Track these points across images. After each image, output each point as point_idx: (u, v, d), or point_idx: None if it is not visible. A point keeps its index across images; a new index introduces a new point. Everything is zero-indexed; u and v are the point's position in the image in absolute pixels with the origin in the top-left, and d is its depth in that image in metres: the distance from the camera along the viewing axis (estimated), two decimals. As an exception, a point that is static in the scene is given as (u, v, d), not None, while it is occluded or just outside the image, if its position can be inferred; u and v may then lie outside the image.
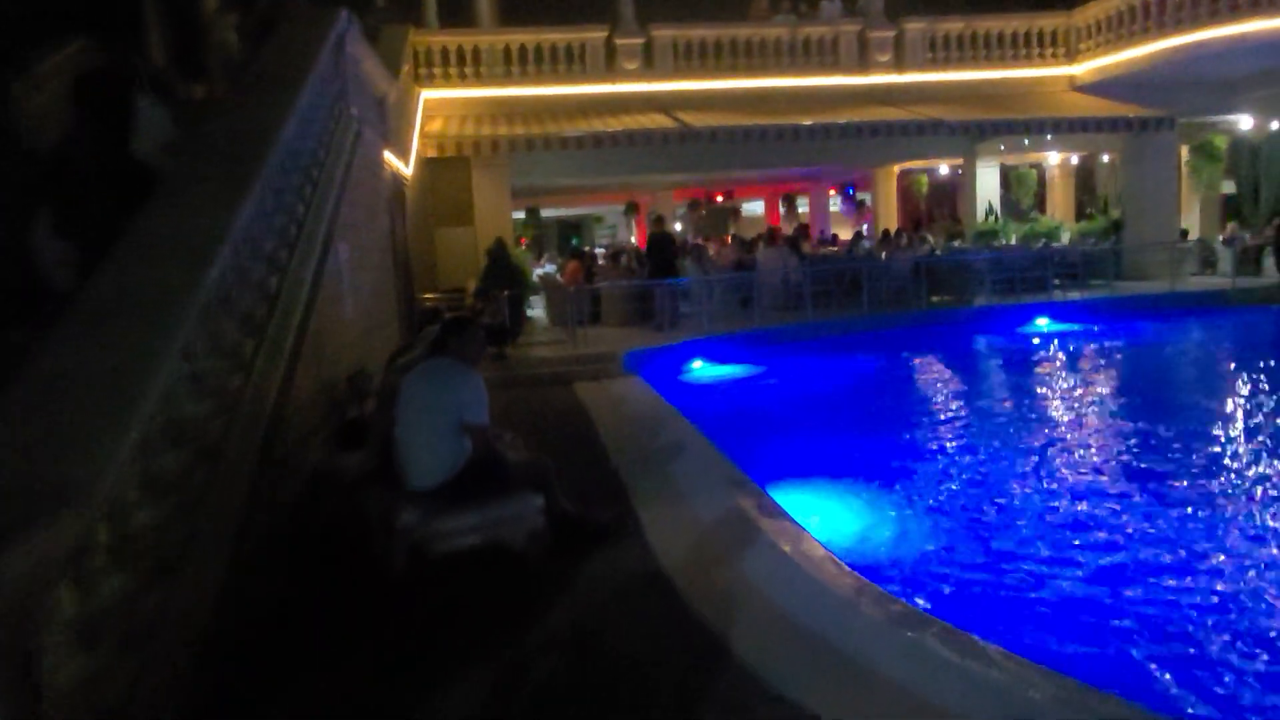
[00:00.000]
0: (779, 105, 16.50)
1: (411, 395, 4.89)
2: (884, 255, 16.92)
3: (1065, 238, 20.86)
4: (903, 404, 9.99)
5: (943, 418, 9.17)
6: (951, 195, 33.50)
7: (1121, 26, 16.48)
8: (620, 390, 10.33)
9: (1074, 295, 15.39)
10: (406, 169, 12.57)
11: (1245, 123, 18.73)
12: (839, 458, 7.59)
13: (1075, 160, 25.61)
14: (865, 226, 39.91)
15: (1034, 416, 9.09)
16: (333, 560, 5.01)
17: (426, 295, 13.43)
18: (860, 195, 36.88)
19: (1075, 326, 14.31)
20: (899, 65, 17.32)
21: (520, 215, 33.50)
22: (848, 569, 4.07)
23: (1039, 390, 10.50)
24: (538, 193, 31.13)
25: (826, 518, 6.02)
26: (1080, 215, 26.22)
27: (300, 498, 5.49)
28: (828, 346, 13.00)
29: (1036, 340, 13.81)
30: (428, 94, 15.84)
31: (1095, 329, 14.12)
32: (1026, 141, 22.40)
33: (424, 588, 4.55)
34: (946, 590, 4.79)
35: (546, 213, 37.19)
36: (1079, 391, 10.24)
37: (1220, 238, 18.88)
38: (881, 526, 5.90)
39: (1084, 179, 29.19)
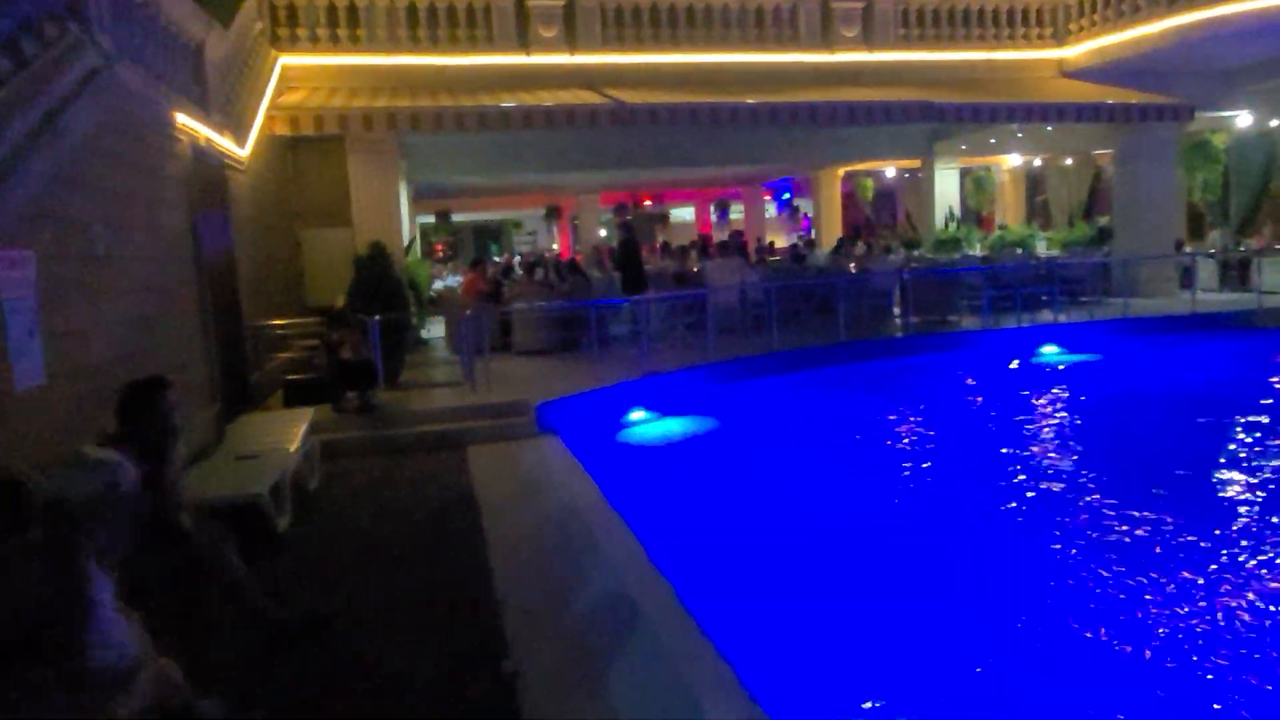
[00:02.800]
0: (727, 85, 13.61)
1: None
2: (853, 267, 14.22)
3: (1040, 247, 18.62)
4: (926, 484, 7.14)
5: (983, 513, 6.33)
6: (894, 201, 31.38)
7: (1122, 2, 14.15)
8: (531, 464, 7.22)
9: (1077, 316, 12.90)
10: (241, 149, 9.23)
11: (1243, 119, 16.65)
12: (867, 596, 4.67)
13: (1038, 163, 23.55)
14: (802, 234, 37.63)
15: (1098, 503, 6.32)
16: None
17: (278, 321, 10.05)
18: (797, 200, 34.53)
19: (1091, 356, 11.75)
20: (868, 43, 14.66)
21: (430, 220, 30.12)
22: None
23: (1087, 459, 7.76)
24: (448, 194, 27.82)
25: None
26: (1030, 222, 24.23)
27: None
28: (803, 387, 10.14)
29: (1053, 375, 11.19)
30: (289, 60, 12.47)
31: (1115, 359, 11.59)
32: (993, 140, 20.20)
33: None
34: None
35: (460, 217, 33.75)
36: (1139, 459, 7.51)
37: (1212, 249, 16.74)
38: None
39: (1032, 185, 27.29)
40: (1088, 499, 6.31)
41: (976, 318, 12.75)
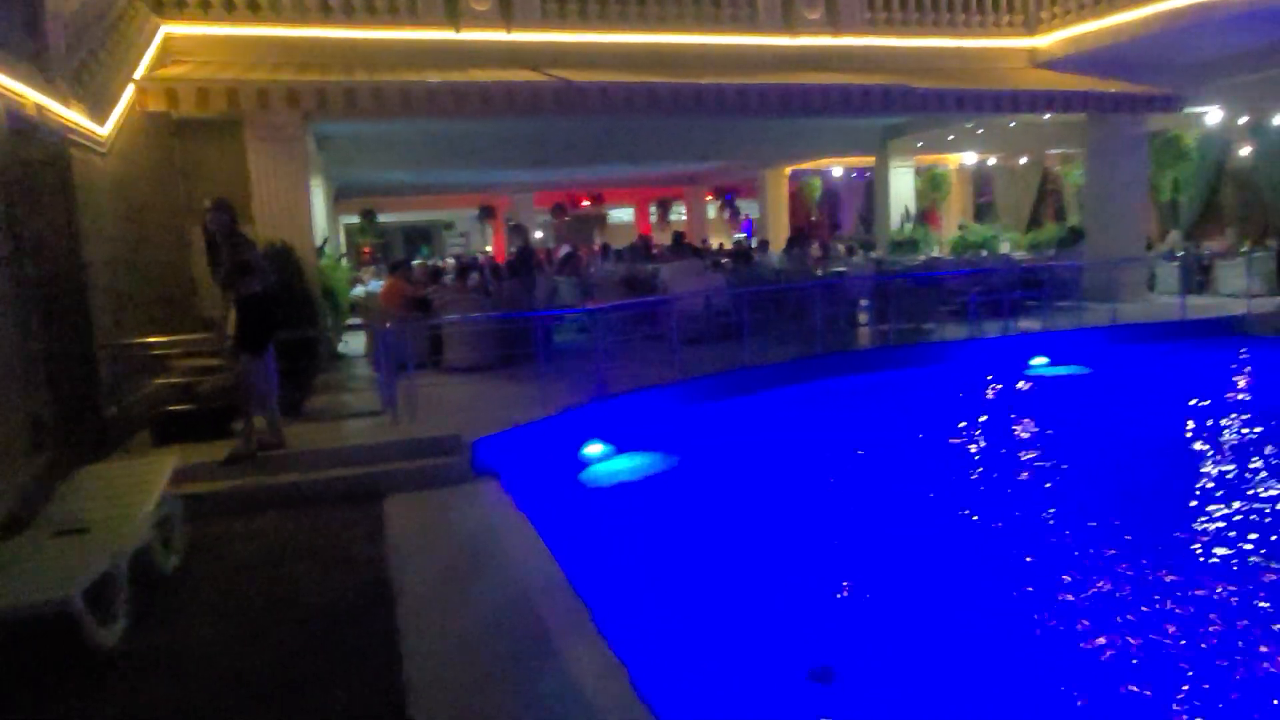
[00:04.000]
0: (680, 70, 12.22)
1: None
2: (820, 271, 12.98)
3: (1005, 248, 17.73)
4: (935, 527, 5.84)
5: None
6: (839, 202, 30.48)
7: (1100, -12, 13.22)
8: (467, 523, 5.70)
9: (1063, 323, 11.86)
10: (100, 128, 7.49)
11: (1213, 115, 15.95)
12: None
13: (992, 162, 22.77)
14: (744, 235, 36.59)
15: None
16: None
17: (155, 339, 8.27)
18: (739, 201, 33.39)
19: (1085, 369, 10.70)
20: (833, 26, 13.44)
21: (355, 221, 28.13)
22: None
23: (1104, 494, 6.57)
24: (373, 192, 25.96)
25: None
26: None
27: None
28: (784, 407, 8.81)
29: (1050, 392, 10.06)
30: (176, 29, 10.66)
31: (1113, 372, 10.55)
32: (951, 137, 19.27)
33: None
34: None
35: (387, 218, 31.80)
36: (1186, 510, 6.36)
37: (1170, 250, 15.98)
38: None
39: (976, 186, 26.62)
40: (1109, 550, 5.09)
41: (957, 326, 11.61)
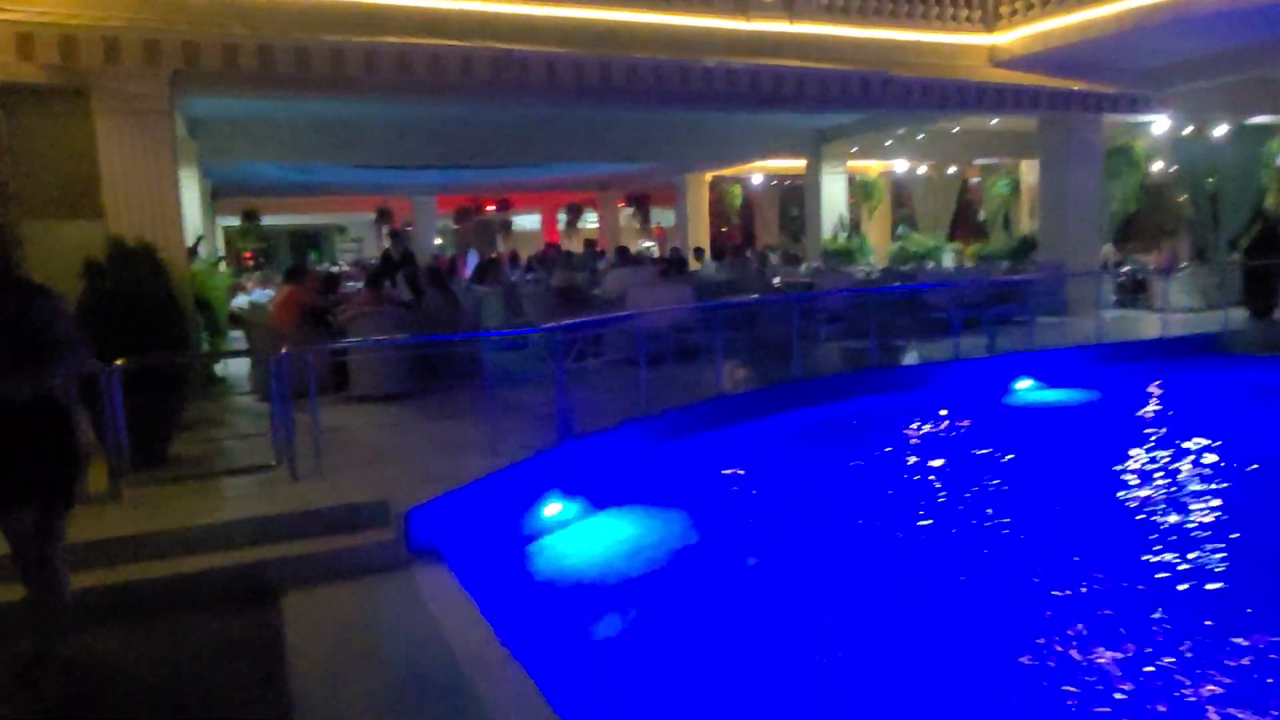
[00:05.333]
0: (623, 50, 10.67)
1: None
2: (777, 282, 11.60)
3: (947, 260, 16.88)
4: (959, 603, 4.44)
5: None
6: (750, 211, 29.39)
7: (1066, -16, 12.37)
8: (406, 643, 3.96)
9: (1042, 341, 10.82)
10: None
11: (1160, 124, 15.45)
12: None
13: (922, 170, 22.09)
14: (655, 245, 35.33)
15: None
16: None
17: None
18: (651, 209, 32.01)
19: (1076, 395, 9.63)
20: (790, 11, 12.13)
21: (235, 224, 25.38)
22: None
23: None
24: (257, 191, 23.43)
25: None
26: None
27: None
28: (776, 445, 7.33)
29: (1054, 420, 8.91)
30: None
31: (1114, 396, 9.53)
32: (889, 142, 18.37)
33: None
34: None
35: (272, 221, 29.09)
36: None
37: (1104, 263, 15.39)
38: None
39: (896, 195, 26.04)
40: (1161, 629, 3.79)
41: (932, 345, 10.40)
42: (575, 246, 26.79)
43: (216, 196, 20.53)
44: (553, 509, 5.65)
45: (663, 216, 32.94)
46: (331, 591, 4.43)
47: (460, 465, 5.57)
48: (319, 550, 4.67)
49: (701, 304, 8.73)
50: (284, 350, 5.45)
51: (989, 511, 6.01)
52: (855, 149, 18.57)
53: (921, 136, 17.61)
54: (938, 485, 6.71)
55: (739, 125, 17.26)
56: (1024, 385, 9.85)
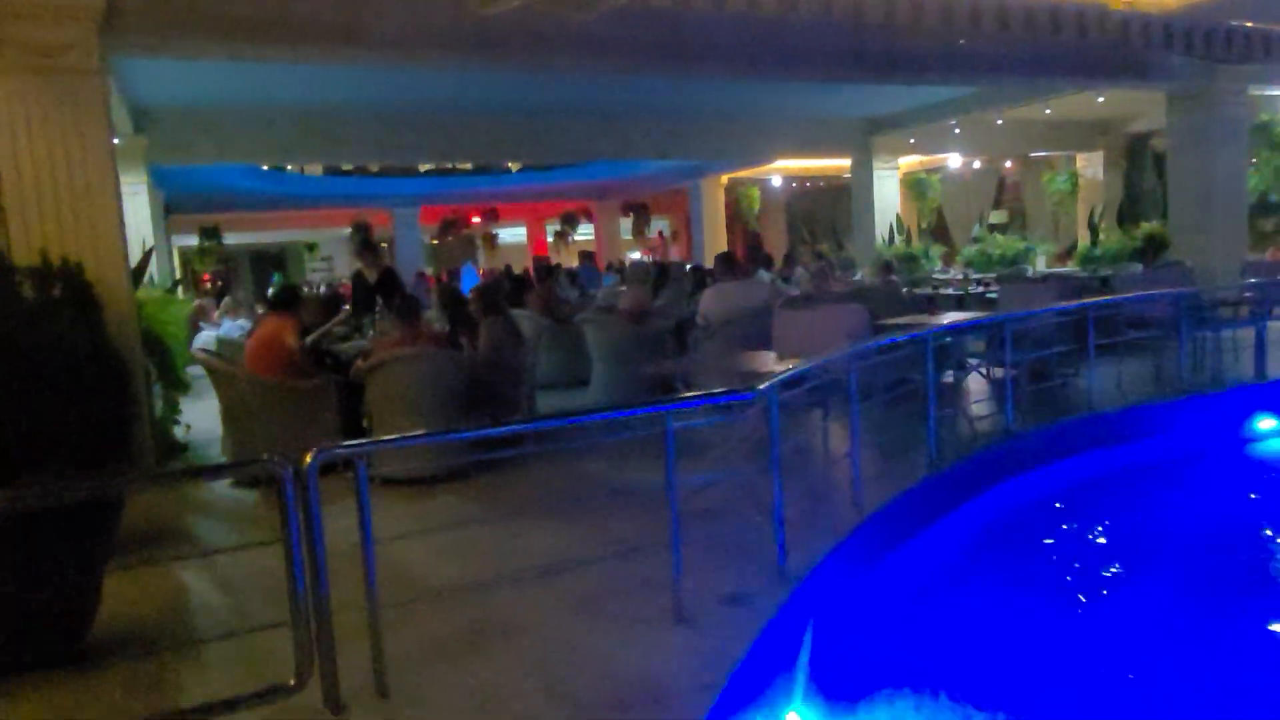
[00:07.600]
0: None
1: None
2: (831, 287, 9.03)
3: (1041, 263, 14.53)
4: None
5: None
6: (763, 216, 26.86)
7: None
8: None
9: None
10: None
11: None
12: None
13: (976, 165, 19.82)
14: (653, 257, 32.32)
15: None
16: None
17: None
18: (656, 217, 29.45)
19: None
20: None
21: (193, 243, 22.42)
22: None
23: None
24: (219, 206, 20.59)
25: None
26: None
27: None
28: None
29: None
30: None
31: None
32: (957, 129, 15.95)
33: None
34: None
35: (234, 239, 26.19)
36: None
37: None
38: None
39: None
40: None
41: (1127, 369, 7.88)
42: (568, 260, 24.29)
43: (171, 212, 17.67)
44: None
45: (660, 225, 30.52)
46: None
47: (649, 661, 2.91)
48: None
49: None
50: (317, 452, 2.76)
51: None
52: (913, 140, 16.25)
53: (1001, 122, 15.31)
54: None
55: (781, 115, 15.01)
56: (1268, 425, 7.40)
